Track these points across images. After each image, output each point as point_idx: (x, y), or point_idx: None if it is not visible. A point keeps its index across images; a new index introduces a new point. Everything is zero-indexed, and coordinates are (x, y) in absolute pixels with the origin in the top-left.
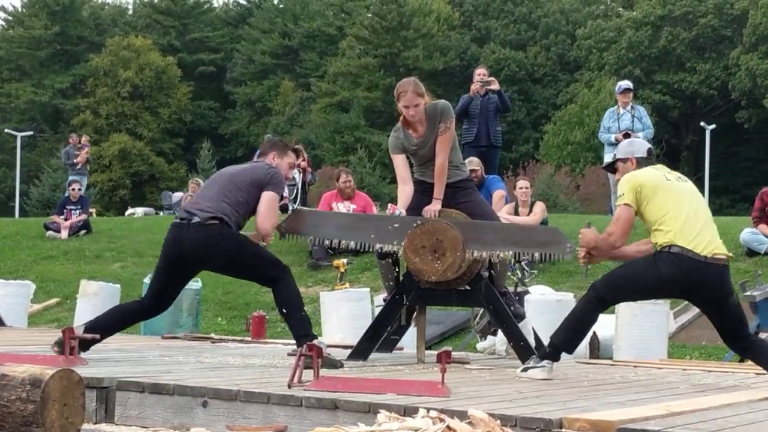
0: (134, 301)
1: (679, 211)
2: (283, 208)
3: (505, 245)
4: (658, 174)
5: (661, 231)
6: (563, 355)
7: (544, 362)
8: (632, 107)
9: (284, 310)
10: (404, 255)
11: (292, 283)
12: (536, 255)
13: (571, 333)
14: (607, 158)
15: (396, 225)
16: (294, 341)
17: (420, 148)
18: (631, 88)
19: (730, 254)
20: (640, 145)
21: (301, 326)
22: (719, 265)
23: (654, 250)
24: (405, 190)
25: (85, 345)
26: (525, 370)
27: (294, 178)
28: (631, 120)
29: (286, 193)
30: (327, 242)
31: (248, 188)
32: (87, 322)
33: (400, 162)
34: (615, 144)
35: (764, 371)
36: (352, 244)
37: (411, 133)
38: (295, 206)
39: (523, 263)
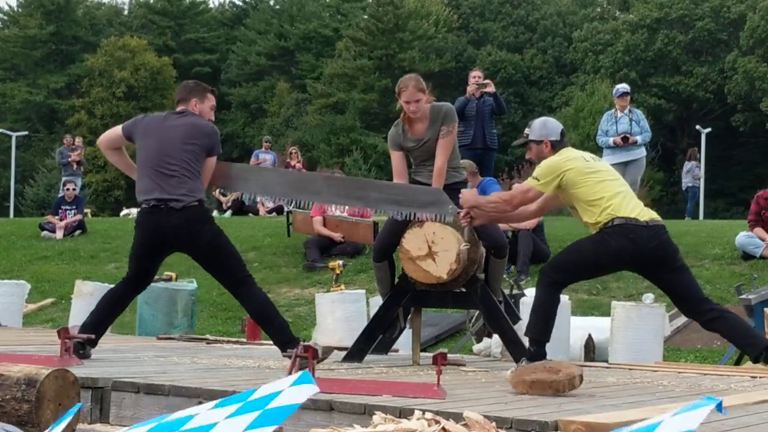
0: (118, 284)
1: (610, 188)
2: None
3: (387, 204)
4: (579, 156)
5: (599, 208)
6: (557, 357)
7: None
8: (630, 110)
9: (260, 321)
10: (402, 263)
11: (259, 290)
12: (417, 214)
13: (541, 322)
14: (605, 160)
15: (277, 177)
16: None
17: (418, 146)
18: (629, 91)
19: (662, 219)
20: (553, 128)
21: (282, 334)
22: (659, 227)
23: (592, 227)
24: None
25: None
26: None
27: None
28: (629, 123)
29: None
30: (250, 196)
31: (202, 158)
32: (85, 320)
33: (397, 157)
34: (613, 147)
35: (764, 370)
36: (278, 200)
37: (411, 130)
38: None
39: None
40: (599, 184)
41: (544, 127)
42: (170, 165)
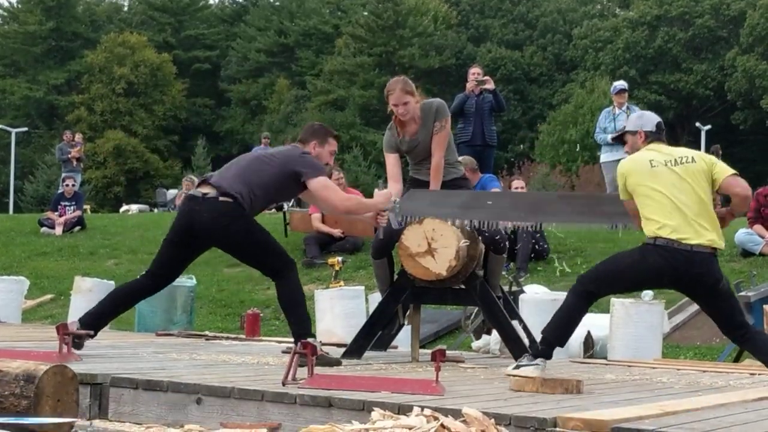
0: (138, 279)
1: (663, 201)
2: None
3: (621, 216)
4: (643, 161)
5: (647, 222)
6: (557, 353)
7: (538, 360)
8: (628, 107)
9: (285, 307)
10: (402, 260)
11: (295, 280)
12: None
13: (562, 327)
14: (604, 157)
15: (510, 201)
16: (290, 338)
17: (414, 146)
18: (627, 88)
19: (721, 245)
20: (649, 119)
21: (301, 325)
22: (705, 254)
23: (644, 240)
24: (395, 188)
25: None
26: (517, 367)
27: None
28: (627, 120)
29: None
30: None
31: (273, 175)
32: (93, 307)
33: (392, 160)
34: (611, 144)
35: (762, 367)
36: (475, 223)
37: (403, 132)
38: (290, 203)
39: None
40: (654, 195)
41: (640, 118)
42: (228, 171)
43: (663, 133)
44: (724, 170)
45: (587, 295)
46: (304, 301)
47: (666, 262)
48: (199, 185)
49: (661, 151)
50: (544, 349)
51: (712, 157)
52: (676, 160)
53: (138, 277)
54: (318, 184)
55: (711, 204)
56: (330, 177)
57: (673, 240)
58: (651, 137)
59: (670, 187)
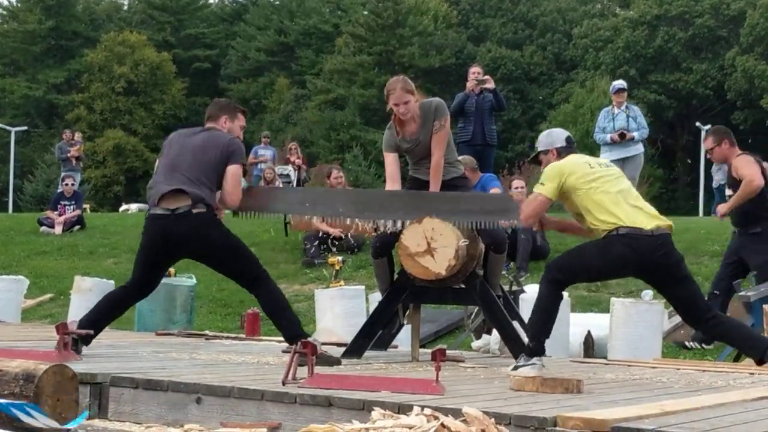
0: (119, 288)
1: (614, 196)
2: None
3: (457, 214)
4: (581, 163)
5: (603, 214)
6: (557, 353)
7: (534, 359)
8: (627, 107)
9: (273, 314)
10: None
11: (274, 285)
12: (488, 223)
13: (542, 318)
14: (603, 157)
15: (353, 198)
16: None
17: (413, 146)
18: (625, 87)
19: (670, 222)
20: (558, 135)
21: (292, 327)
22: (665, 235)
23: (596, 233)
24: (394, 188)
25: (85, 340)
26: (516, 368)
27: (289, 176)
28: (626, 120)
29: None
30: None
31: (217, 166)
32: (83, 317)
33: (391, 160)
34: (610, 144)
35: (761, 369)
36: (305, 221)
37: (403, 131)
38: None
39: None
40: (603, 191)
41: (548, 136)
42: (181, 175)
43: (573, 145)
44: None
45: (556, 283)
46: (288, 303)
47: (630, 249)
48: (161, 200)
49: (587, 157)
50: (534, 346)
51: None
52: (601, 163)
53: (120, 286)
54: (234, 170)
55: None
56: (329, 176)
57: (635, 227)
58: (564, 152)
59: (614, 183)
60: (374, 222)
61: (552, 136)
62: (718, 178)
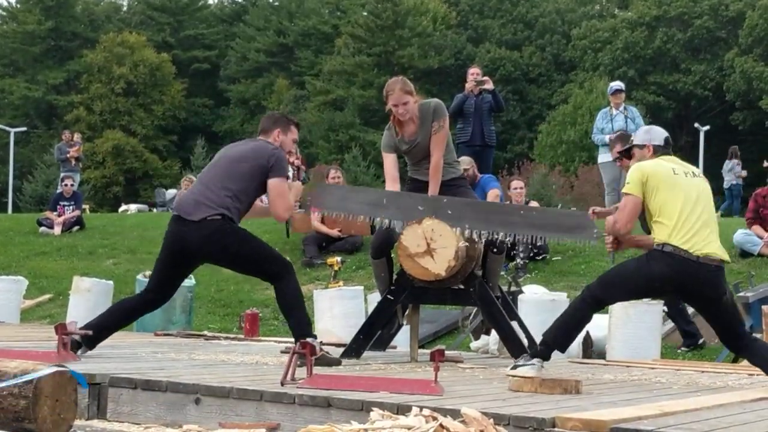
0: (136, 295)
1: (677, 208)
2: None
3: (531, 228)
4: (666, 166)
5: (659, 226)
6: (556, 354)
7: (534, 360)
8: (625, 108)
9: (285, 310)
10: (401, 261)
11: (293, 282)
12: (562, 239)
13: (564, 332)
14: (602, 158)
15: (421, 203)
16: (289, 338)
17: (412, 146)
18: (623, 89)
19: (726, 258)
20: (657, 133)
21: (301, 327)
22: (712, 266)
23: (653, 245)
24: (394, 188)
25: (90, 342)
26: (515, 368)
27: (288, 176)
28: (624, 120)
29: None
30: (358, 218)
31: (251, 176)
32: (92, 321)
33: (390, 161)
34: (608, 145)
35: (759, 372)
36: (378, 221)
37: (402, 132)
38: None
39: (518, 261)
40: (671, 200)
41: (648, 132)
42: (210, 182)
43: (671, 148)
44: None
45: (593, 301)
46: (303, 303)
47: (671, 270)
48: (183, 205)
49: (676, 162)
50: (542, 350)
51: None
52: (693, 172)
53: (138, 293)
54: (275, 184)
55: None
56: (327, 176)
57: (681, 249)
58: (660, 151)
59: (690, 196)
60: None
61: (651, 133)
62: (729, 178)
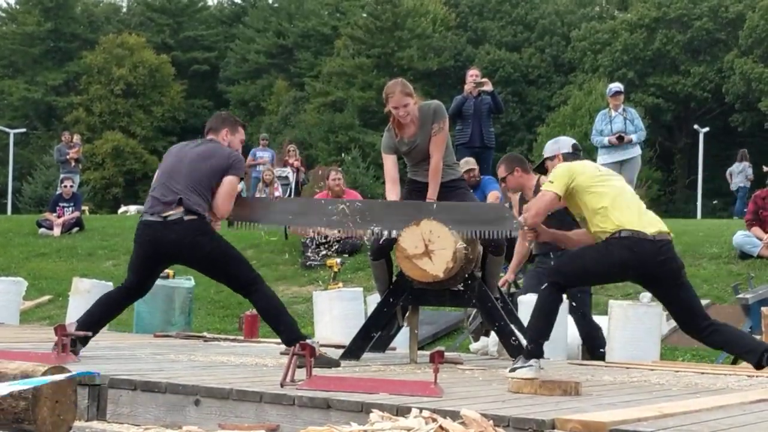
0: (116, 288)
1: (620, 199)
2: None
3: (451, 224)
4: (591, 164)
5: (606, 218)
6: (556, 355)
7: (532, 361)
8: (624, 109)
9: (270, 318)
10: (399, 263)
11: (268, 290)
12: (481, 232)
13: (541, 320)
14: (601, 159)
15: (341, 208)
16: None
17: (412, 148)
18: (622, 90)
19: (670, 232)
20: (565, 142)
21: (291, 331)
22: (666, 241)
23: (598, 237)
24: (394, 190)
25: (83, 342)
26: (513, 370)
27: (287, 178)
28: (623, 122)
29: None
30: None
31: (212, 175)
32: (79, 318)
33: (390, 162)
34: (608, 147)
35: (760, 372)
36: (302, 230)
37: (401, 133)
38: None
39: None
40: (608, 193)
41: (555, 143)
42: (177, 183)
43: (580, 153)
44: None
45: (557, 286)
46: (284, 307)
47: (631, 252)
48: (153, 208)
49: (593, 163)
50: (533, 348)
51: None
52: (608, 171)
53: (116, 288)
54: (230, 180)
55: None
56: (328, 177)
57: (637, 230)
58: (570, 158)
59: (621, 188)
60: (372, 231)
61: (559, 143)
62: (737, 180)
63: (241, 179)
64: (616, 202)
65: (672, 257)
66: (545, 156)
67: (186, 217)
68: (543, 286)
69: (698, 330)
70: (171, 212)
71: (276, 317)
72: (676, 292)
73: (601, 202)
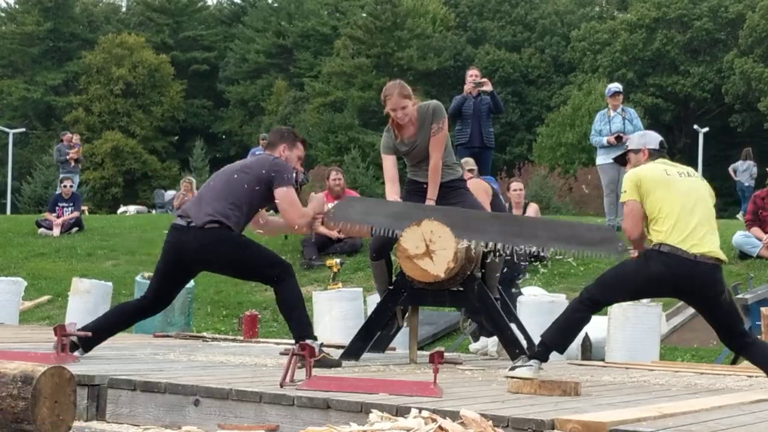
0: (135, 300)
1: (673, 208)
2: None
3: (557, 242)
4: (658, 168)
5: (655, 228)
6: (555, 355)
7: (532, 361)
8: (623, 109)
9: (285, 311)
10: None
11: (292, 284)
12: (587, 253)
13: (562, 333)
14: (600, 160)
15: (443, 217)
16: (288, 340)
17: (411, 148)
18: (621, 90)
19: (723, 257)
20: (652, 138)
21: (301, 328)
22: (709, 265)
23: (648, 246)
24: (394, 190)
25: (87, 345)
26: (513, 369)
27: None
28: (622, 122)
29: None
30: (381, 231)
31: (249, 185)
32: (89, 323)
33: (389, 163)
34: (607, 147)
35: (759, 372)
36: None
37: (401, 134)
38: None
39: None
40: (665, 200)
41: (643, 137)
42: (209, 192)
43: (665, 151)
44: (713, 195)
45: (591, 302)
46: (303, 304)
47: (668, 269)
48: (183, 214)
49: (670, 164)
50: (540, 352)
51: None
52: (687, 173)
53: (139, 298)
54: (281, 193)
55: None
56: (329, 177)
57: (678, 248)
58: (655, 155)
59: (685, 196)
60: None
61: (646, 137)
62: (742, 179)
63: (296, 188)
64: (668, 212)
65: (711, 282)
66: (630, 148)
67: (207, 225)
68: (579, 297)
69: (729, 346)
70: (195, 219)
71: (288, 313)
72: (713, 313)
73: (655, 209)
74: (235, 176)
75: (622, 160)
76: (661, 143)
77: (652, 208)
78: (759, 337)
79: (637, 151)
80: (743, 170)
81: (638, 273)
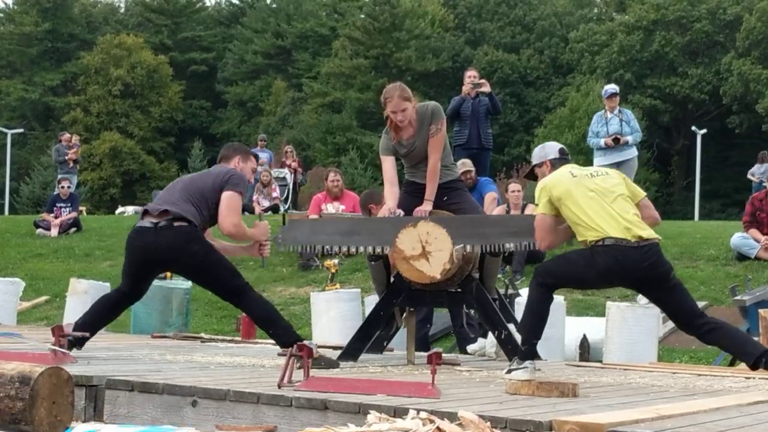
0: (113, 291)
1: (598, 206)
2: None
3: (506, 237)
4: (563, 172)
5: (588, 227)
6: (554, 356)
7: (526, 363)
8: (620, 111)
9: (264, 323)
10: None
11: (259, 296)
12: (533, 245)
13: (532, 320)
14: (598, 161)
15: (390, 226)
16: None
17: (410, 150)
18: (617, 92)
19: (657, 236)
20: (552, 148)
21: (287, 334)
22: (652, 244)
23: (586, 245)
24: (393, 191)
25: (80, 342)
26: (509, 372)
27: (285, 179)
28: (620, 124)
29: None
30: (327, 248)
31: (211, 191)
32: (78, 320)
33: (388, 164)
34: (604, 148)
35: (756, 374)
36: (353, 249)
37: (399, 135)
38: (287, 206)
39: (515, 264)
40: (587, 202)
41: (542, 149)
42: (171, 195)
43: (568, 157)
44: (638, 189)
45: (547, 287)
46: (277, 311)
47: (615, 261)
48: (144, 216)
49: (577, 167)
50: (527, 349)
51: (620, 172)
52: (592, 173)
53: (113, 290)
54: (227, 195)
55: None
56: (327, 178)
57: (620, 238)
58: (558, 164)
59: (600, 194)
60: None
61: (545, 149)
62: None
63: (242, 195)
64: (595, 209)
65: (657, 261)
66: (534, 163)
67: (176, 224)
68: (530, 287)
69: (694, 328)
70: (161, 219)
71: (270, 321)
72: (667, 294)
73: (579, 212)
74: (195, 182)
75: (531, 176)
76: (560, 151)
77: (574, 211)
78: (757, 339)
79: (540, 165)
80: (761, 173)
81: (586, 267)
